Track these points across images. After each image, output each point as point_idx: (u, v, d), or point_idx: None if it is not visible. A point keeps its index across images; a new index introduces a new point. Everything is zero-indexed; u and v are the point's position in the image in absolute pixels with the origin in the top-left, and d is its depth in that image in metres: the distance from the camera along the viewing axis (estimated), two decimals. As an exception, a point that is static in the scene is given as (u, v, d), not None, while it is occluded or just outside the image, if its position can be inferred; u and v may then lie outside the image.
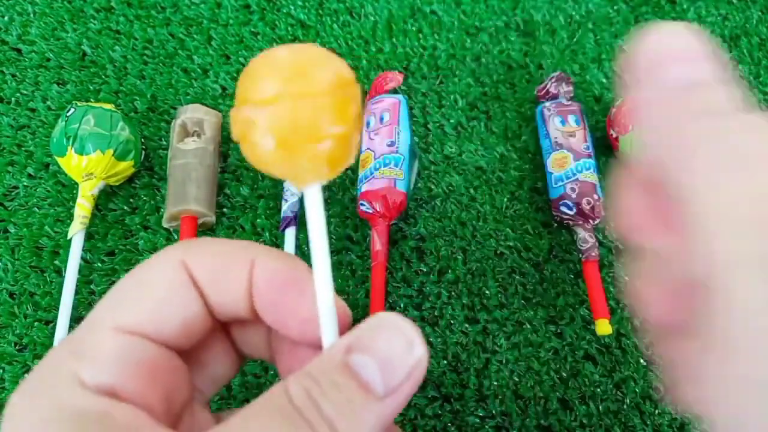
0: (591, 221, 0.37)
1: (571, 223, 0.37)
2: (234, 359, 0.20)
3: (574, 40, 0.46)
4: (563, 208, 0.37)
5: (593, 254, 0.36)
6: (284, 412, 0.14)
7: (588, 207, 0.36)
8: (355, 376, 0.14)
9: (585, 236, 0.37)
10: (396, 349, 0.14)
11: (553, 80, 0.41)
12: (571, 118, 0.39)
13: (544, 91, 0.41)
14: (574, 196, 0.37)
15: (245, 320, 0.19)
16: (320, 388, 0.14)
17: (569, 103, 0.40)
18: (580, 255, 0.37)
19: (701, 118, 0.14)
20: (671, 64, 0.14)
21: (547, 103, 0.40)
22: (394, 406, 0.14)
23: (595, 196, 0.37)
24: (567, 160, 0.38)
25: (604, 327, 0.34)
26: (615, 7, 0.47)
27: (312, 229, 0.17)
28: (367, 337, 0.15)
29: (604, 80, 0.44)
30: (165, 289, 0.17)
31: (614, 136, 0.39)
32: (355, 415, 0.14)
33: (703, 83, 0.14)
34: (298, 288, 0.17)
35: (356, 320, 0.16)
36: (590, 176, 0.37)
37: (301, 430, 0.14)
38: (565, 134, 0.39)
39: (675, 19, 0.46)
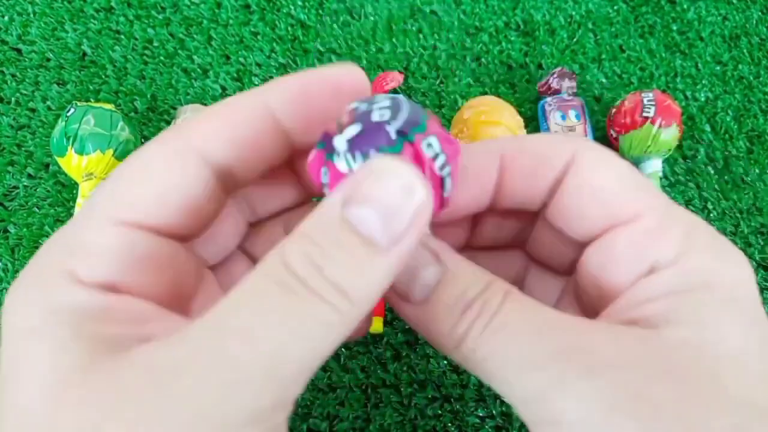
0: None
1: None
2: (241, 228, 0.19)
3: (574, 40, 0.46)
4: None
5: None
6: (286, 286, 0.12)
7: None
8: (355, 232, 0.13)
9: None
10: (394, 197, 0.13)
11: (554, 76, 0.41)
12: (571, 113, 0.39)
13: (546, 86, 0.41)
14: None
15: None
16: (321, 250, 0.12)
17: (570, 98, 0.40)
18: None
19: None
20: None
21: (549, 99, 0.41)
22: (399, 257, 0.13)
23: None
24: None
25: None
26: (615, 7, 0.47)
27: None
28: (362, 187, 0.13)
29: (604, 80, 0.44)
30: (169, 173, 0.15)
31: (614, 136, 0.39)
32: (362, 273, 0.13)
33: None
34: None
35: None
36: None
37: (308, 302, 0.12)
38: (564, 129, 0.39)
39: (675, 18, 0.46)
